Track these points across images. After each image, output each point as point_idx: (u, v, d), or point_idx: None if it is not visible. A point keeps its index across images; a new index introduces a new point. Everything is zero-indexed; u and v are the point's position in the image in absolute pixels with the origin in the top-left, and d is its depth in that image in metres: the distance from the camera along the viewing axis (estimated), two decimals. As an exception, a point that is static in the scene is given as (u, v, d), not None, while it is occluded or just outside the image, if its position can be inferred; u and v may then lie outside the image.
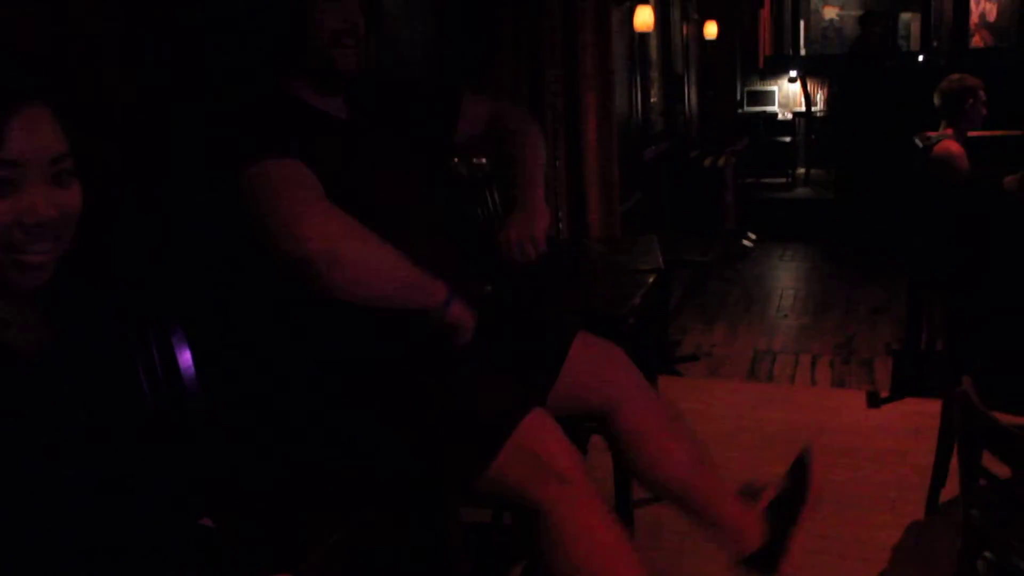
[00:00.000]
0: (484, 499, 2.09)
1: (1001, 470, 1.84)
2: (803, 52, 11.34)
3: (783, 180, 8.43)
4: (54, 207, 0.97)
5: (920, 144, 3.74)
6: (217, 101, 1.72)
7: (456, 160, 2.52)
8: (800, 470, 1.97)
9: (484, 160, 2.61)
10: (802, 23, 11.73)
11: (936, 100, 3.73)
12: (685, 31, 6.66)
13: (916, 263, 3.56)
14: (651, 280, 2.62)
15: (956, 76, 3.73)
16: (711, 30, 6.82)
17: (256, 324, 1.66)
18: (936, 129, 3.81)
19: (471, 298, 1.76)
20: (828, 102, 8.75)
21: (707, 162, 6.68)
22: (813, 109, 8.66)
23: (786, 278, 6.21)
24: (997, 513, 1.69)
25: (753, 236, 7.03)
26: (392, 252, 1.54)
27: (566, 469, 1.54)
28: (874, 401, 3.51)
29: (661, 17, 5.86)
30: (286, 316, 1.62)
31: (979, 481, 1.70)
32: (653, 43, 5.66)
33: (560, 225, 3.64)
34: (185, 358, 1.64)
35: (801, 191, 8.32)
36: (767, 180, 8.37)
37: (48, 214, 0.96)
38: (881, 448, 3.08)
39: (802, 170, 8.70)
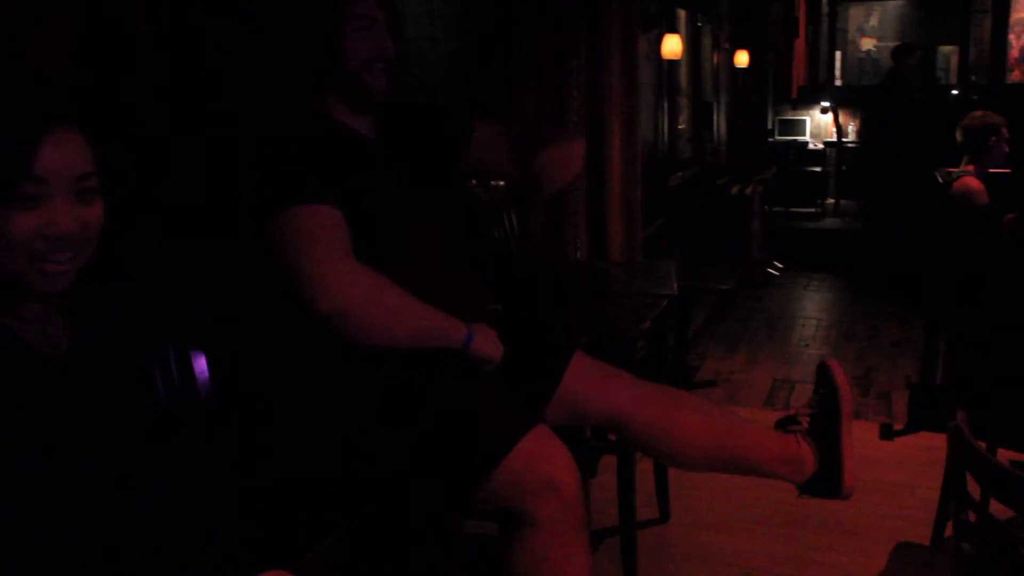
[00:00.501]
0: (488, 512, 2.14)
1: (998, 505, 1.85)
2: (838, 82, 11.34)
3: (812, 210, 8.43)
4: (76, 222, 1.05)
5: (940, 180, 3.75)
6: (249, 121, 1.79)
7: (474, 182, 2.58)
8: (826, 379, 1.96)
9: (502, 183, 2.67)
10: (838, 54, 11.74)
11: (959, 136, 3.74)
12: (716, 59, 6.71)
13: (932, 297, 3.56)
14: (663, 305, 2.66)
15: (979, 113, 3.74)
16: (742, 59, 6.86)
17: (267, 329, 1.72)
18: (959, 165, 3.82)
19: (484, 318, 1.83)
20: (860, 133, 8.75)
21: (735, 190, 6.70)
22: (844, 140, 8.66)
23: (810, 308, 6.21)
24: (990, 547, 1.71)
25: (779, 265, 7.03)
26: (408, 303, 1.61)
27: (567, 487, 1.58)
28: (887, 434, 3.51)
29: (692, 45, 5.92)
30: (297, 324, 1.69)
31: (969, 514, 1.71)
32: (683, 70, 5.72)
33: (579, 248, 3.70)
34: (200, 364, 1.72)
35: (830, 221, 8.32)
36: (796, 209, 8.38)
37: (70, 228, 1.04)
38: (890, 481, 3.08)
39: (831, 200, 8.70)
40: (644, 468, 2.83)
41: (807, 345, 5.21)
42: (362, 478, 1.59)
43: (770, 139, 8.70)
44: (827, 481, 1.92)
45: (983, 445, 1.68)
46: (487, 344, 1.73)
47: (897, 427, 3.56)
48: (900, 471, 3.15)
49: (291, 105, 1.79)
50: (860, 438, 3.50)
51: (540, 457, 1.58)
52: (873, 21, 12.19)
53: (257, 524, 1.31)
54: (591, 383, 1.89)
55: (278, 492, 1.49)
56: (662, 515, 2.87)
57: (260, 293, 1.67)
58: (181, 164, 1.78)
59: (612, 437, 2.75)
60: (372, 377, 1.66)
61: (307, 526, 1.37)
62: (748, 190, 6.63)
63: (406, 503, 1.61)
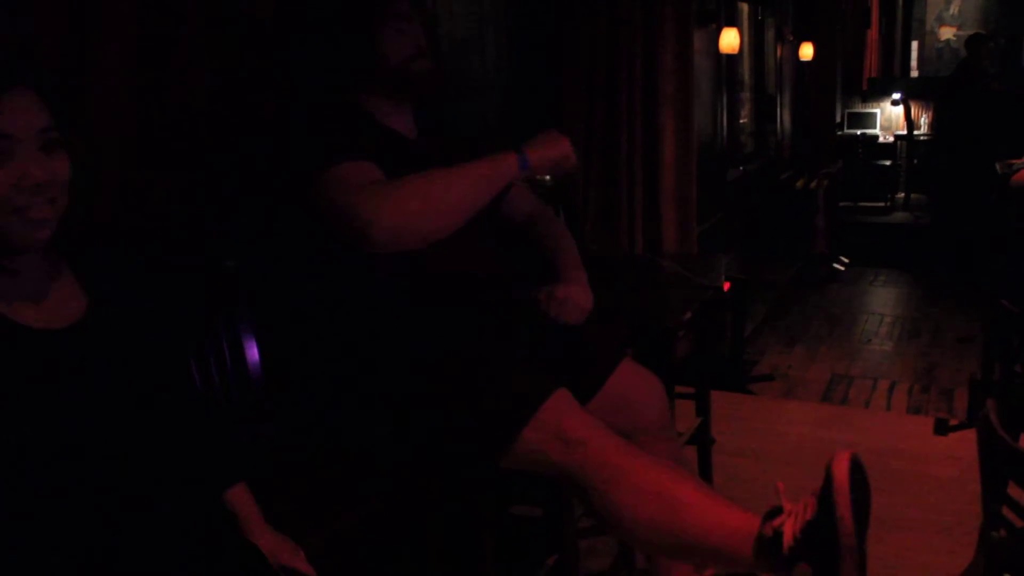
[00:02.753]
0: (536, 497, 2.18)
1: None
2: (915, 74, 11.05)
3: (882, 204, 8.28)
4: (46, 172, 1.15)
5: (1000, 171, 3.69)
6: (294, 112, 1.89)
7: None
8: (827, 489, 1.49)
9: (548, 177, 2.72)
10: (915, 44, 11.43)
11: None
12: (780, 52, 6.65)
13: (993, 291, 3.50)
14: (707, 296, 2.69)
15: (1044, 103, 3.67)
16: (807, 51, 6.78)
17: (311, 311, 1.83)
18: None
19: (522, 301, 1.90)
20: (932, 125, 8.56)
21: (799, 184, 6.64)
22: (916, 132, 8.48)
23: (875, 303, 6.12)
24: (1020, 536, 1.71)
25: (845, 260, 6.94)
26: (449, 173, 1.71)
27: (586, 437, 1.60)
28: (941, 429, 3.47)
29: (755, 38, 5.89)
30: (338, 303, 1.79)
31: (1001, 505, 1.71)
32: (745, 64, 5.69)
33: (634, 242, 3.73)
34: (252, 351, 1.83)
35: (899, 216, 8.17)
36: (865, 204, 8.24)
37: (42, 178, 1.14)
38: (942, 476, 3.06)
39: (901, 194, 8.54)
40: (689, 456, 2.86)
41: (869, 340, 5.15)
42: (395, 453, 1.67)
43: (839, 132, 8.57)
44: None
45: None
46: (545, 154, 1.78)
47: (952, 422, 3.52)
48: (951, 466, 3.12)
49: (333, 104, 1.88)
50: (915, 432, 3.50)
51: (553, 419, 1.61)
52: (953, 9, 11.81)
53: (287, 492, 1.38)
54: (623, 400, 1.92)
55: (311, 464, 1.57)
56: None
57: (305, 273, 1.78)
58: (236, 152, 1.90)
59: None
60: (404, 352, 1.73)
61: (339, 497, 1.45)
62: (812, 184, 6.56)
63: (438, 477, 1.67)
